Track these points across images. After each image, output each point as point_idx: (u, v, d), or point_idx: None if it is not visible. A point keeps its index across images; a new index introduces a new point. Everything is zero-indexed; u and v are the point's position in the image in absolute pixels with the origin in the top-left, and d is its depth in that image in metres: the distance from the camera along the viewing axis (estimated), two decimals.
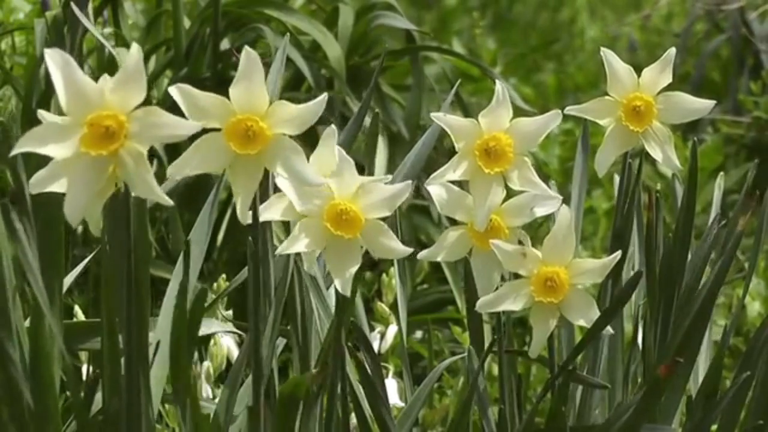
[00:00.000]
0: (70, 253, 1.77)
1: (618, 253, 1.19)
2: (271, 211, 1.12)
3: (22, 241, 1.05)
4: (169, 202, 0.98)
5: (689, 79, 3.10)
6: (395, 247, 1.11)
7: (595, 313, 1.19)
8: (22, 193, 1.05)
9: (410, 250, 1.12)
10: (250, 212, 1.09)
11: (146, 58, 2.02)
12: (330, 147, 1.11)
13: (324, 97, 1.04)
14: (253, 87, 1.04)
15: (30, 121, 1.72)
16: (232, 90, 1.04)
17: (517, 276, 1.20)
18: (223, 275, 1.64)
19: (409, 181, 1.11)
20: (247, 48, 1.03)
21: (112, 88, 0.97)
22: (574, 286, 1.19)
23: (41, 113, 1.02)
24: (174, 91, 1.02)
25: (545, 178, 1.22)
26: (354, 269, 1.11)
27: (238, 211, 1.06)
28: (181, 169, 1.04)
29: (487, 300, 1.21)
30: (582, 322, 1.19)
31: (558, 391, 1.24)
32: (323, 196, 1.10)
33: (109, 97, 0.97)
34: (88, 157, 0.97)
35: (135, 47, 0.97)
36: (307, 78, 2.09)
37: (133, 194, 1.00)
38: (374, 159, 1.28)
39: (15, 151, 0.97)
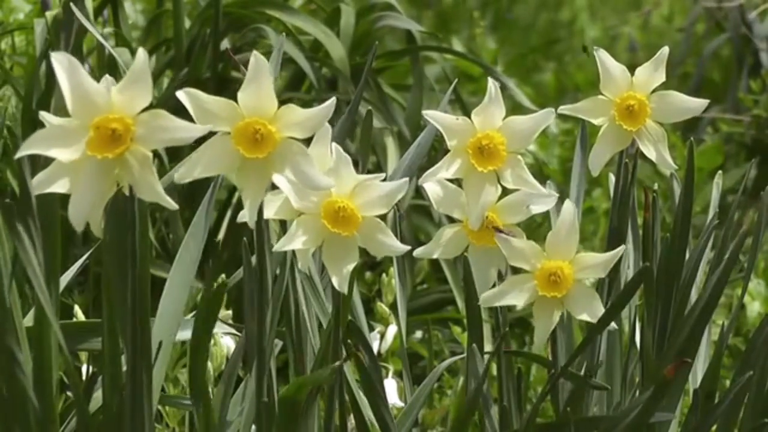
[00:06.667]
0: (70, 252, 1.77)
1: (621, 248, 1.19)
2: (266, 210, 1.11)
3: (24, 243, 1.05)
4: (174, 205, 0.98)
5: (690, 79, 3.10)
6: (392, 244, 1.11)
7: (599, 308, 1.19)
8: (27, 194, 1.05)
9: (407, 247, 1.12)
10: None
11: None
12: (325, 145, 1.11)
13: (333, 101, 1.04)
14: (261, 91, 1.03)
15: (30, 121, 1.73)
16: (241, 94, 1.04)
17: (515, 271, 1.20)
18: (223, 275, 1.63)
19: (406, 179, 1.11)
20: (255, 52, 1.03)
21: (119, 91, 0.97)
22: (577, 280, 1.19)
23: (43, 115, 1.02)
24: (182, 94, 1.02)
25: (544, 179, 1.22)
26: (351, 267, 1.10)
27: (246, 214, 1.05)
28: (188, 173, 1.04)
29: (489, 295, 1.21)
30: (586, 317, 1.19)
31: (571, 395, 1.24)
32: (320, 194, 1.10)
33: (115, 100, 0.97)
34: (94, 160, 0.97)
35: (141, 51, 0.97)
36: (306, 78, 2.09)
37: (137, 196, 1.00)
38: (369, 156, 1.28)
39: (20, 154, 0.97)
